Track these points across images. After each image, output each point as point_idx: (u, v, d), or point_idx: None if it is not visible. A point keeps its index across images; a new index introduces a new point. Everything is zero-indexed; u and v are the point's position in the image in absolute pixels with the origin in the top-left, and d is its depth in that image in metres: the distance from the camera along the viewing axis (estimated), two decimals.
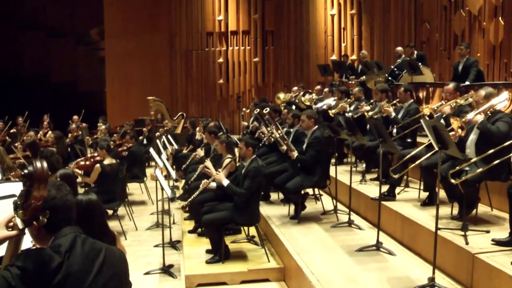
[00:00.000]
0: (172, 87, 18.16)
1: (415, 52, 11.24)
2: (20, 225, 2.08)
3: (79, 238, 2.14)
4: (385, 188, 6.40)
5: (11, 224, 2.14)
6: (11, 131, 13.50)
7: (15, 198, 2.12)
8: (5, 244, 2.18)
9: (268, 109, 8.49)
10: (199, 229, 7.12)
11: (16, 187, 4.79)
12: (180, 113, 13.30)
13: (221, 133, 8.54)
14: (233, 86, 18.16)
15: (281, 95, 11.87)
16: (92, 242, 2.20)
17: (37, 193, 1.98)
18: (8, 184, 4.90)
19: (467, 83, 8.58)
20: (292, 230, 6.42)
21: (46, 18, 22.06)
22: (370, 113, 7.53)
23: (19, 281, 1.93)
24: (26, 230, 2.16)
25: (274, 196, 8.00)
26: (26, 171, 1.99)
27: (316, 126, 6.95)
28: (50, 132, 12.39)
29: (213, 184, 6.18)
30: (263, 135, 7.78)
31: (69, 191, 2.24)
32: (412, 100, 7.28)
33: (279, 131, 7.25)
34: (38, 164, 1.97)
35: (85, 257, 2.12)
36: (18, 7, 21.43)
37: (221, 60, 18.04)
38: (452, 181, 4.91)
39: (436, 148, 4.60)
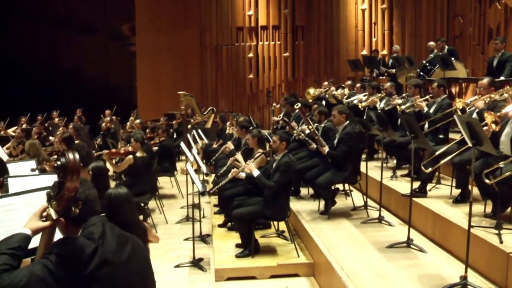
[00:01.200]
0: (202, 82, 18.25)
1: (446, 46, 11.06)
2: (54, 216, 2.12)
3: (108, 225, 2.20)
4: (416, 184, 6.33)
5: (44, 214, 2.18)
6: (46, 124, 13.76)
7: (48, 190, 2.17)
8: (39, 235, 2.23)
9: (299, 104, 8.47)
10: (229, 223, 7.16)
11: (51, 180, 4.89)
12: (210, 108, 13.38)
13: (251, 127, 8.55)
14: (263, 81, 18.15)
15: (311, 90, 11.82)
16: (119, 229, 2.26)
17: (70, 184, 2.02)
18: (44, 176, 5.03)
19: (502, 78, 8.41)
20: (322, 225, 6.41)
21: (78, 15, 22.40)
22: (403, 107, 7.44)
23: (58, 268, 1.98)
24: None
25: (304, 191, 7.99)
26: (59, 162, 2.03)
27: (348, 122, 6.91)
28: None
29: (243, 174, 6.20)
30: (293, 130, 7.77)
31: (91, 186, 2.30)
32: (445, 96, 7.17)
33: (310, 126, 7.22)
34: (71, 156, 2.01)
35: (116, 242, 2.18)
36: (51, 5, 21.83)
37: (251, 55, 18.04)
38: (487, 181, 4.81)
39: (470, 144, 4.52)
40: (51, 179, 4.93)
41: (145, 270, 2.36)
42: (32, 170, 5.63)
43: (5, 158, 6.85)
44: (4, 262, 1.99)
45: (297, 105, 8.41)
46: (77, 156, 2.04)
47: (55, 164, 2.06)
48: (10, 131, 12.39)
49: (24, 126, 13.01)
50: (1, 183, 4.56)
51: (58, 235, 2.39)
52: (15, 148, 9.94)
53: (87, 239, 2.11)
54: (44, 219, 2.18)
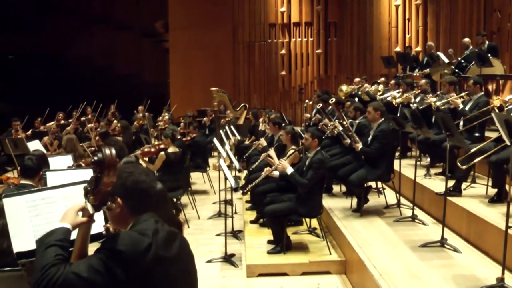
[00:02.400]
0: (234, 79, 18.30)
1: (487, 42, 10.82)
2: (91, 210, 2.17)
3: (159, 222, 2.22)
4: (450, 183, 6.24)
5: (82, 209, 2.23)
6: (82, 119, 14.01)
7: (85, 184, 2.21)
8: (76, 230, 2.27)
9: (334, 99, 8.43)
10: (261, 220, 7.18)
11: (87, 174, 5.01)
12: (242, 104, 13.44)
13: (284, 124, 8.55)
14: (295, 77, 18.10)
15: (344, 87, 11.73)
16: (167, 226, 2.28)
17: (107, 179, 2.05)
18: (79, 171, 5.14)
19: None
20: (354, 223, 6.38)
21: (113, 12, 22.74)
22: (438, 103, 7.33)
23: (114, 262, 2.01)
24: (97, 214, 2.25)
25: (336, 188, 7.97)
26: (96, 158, 2.06)
27: (382, 119, 6.84)
28: (115, 121, 12.77)
29: (276, 173, 6.21)
30: (325, 128, 7.74)
31: (155, 179, 2.33)
32: (482, 93, 7.05)
33: (345, 122, 7.19)
34: (107, 151, 2.04)
35: (167, 239, 2.19)
36: (87, 2, 22.21)
37: (283, 51, 18.01)
38: None
39: (508, 143, 4.44)
40: (86, 174, 5.07)
41: (190, 267, 2.38)
42: (69, 167, 5.78)
43: None
44: (58, 253, 2.02)
45: (332, 100, 8.36)
46: (113, 151, 2.07)
47: (92, 160, 2.10)
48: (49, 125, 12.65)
49: (62, 121, 13.28)
50: (40, 176, 4.68)
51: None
52: (52, 144, 10.16)
53: (140, 235, 2.12)
54: (81, 214, 2.22)
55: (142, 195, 2.24)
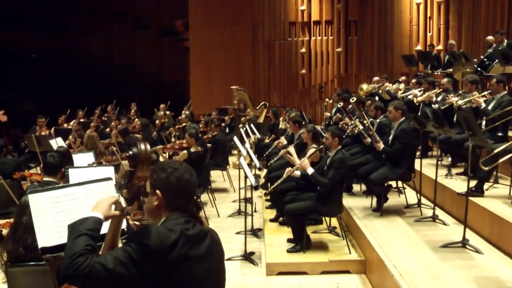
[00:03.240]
0: (254, 77, 18.34)
1: (505, 40, 10.68)
2: (124, 204, 2.20)
3: (190, 222, 2.25)
4: (472, 183, 6.17)
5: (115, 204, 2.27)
6: (103, 118, 14.15)
7: (113, 180, 2.24)
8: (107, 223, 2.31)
9: (354, 98, 8.40)
10: (281, 218, 7.19)
11: (108, 171, 5.07)
12: (262, 103, 13.45)
13: (304, 122, 8.54)
14: (315, 76, 18.07)
15: (364, 86, 11.66)
16: (199, 224, 2.31)
17: (140, 174, 2.09)
18: (101, 168, 5.20)
19: None
20: (374, 222, 6.35)
21: (133, 11, 22.92)
22: (460, 102, 7.25)
23: (139, 255, 2.05)
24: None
25: (356, 187, 7.94)
26: (130, 152, 2.09)
27: (403, 118, 6.79)
28: (136, 119, 12.87)
29: (297, 173, 6.20)
30: (346, 126, 7.71)
31: (197, 180, 2.37)
32: (505, 92, 6.95)
33: (365, 121, 7.15)
34: (142, 146, 2.08)
35: (195, 237, 2.22)
36: (108, 1, 22.41)
37: (303, 50, 17.99)
38: None
39: None
40: (107, 171, 5.13)
41: (219, 268, 2.39)
42: (90, 165, 5.85)
43: None
44: (87, 243, 2.06)
45: (353, 99, 8.32)
46: (148, 146, 2.10)
47: (127, 154, 2.13)
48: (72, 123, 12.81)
49: (81, 119, 13.43)
50: (62, 173, 4.75)
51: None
52: (75, 142, 10.28)
53: (168, 231, 2.15)
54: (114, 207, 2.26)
55: (181, 193, 2.27)
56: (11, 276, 3.68)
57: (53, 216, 3.19)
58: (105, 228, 2.29)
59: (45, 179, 4.63)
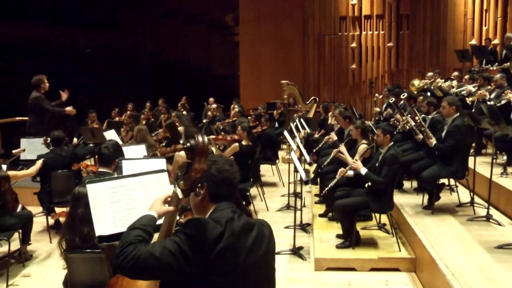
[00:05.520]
0: (304, 72, 18.27)
1: None
2: (180, 195, 2.25)
3: (236, 213, 2.28)
4: None
5: (168, 199, 2.33)
6: (154, 111, 14.40)
7: (170, 171, 2.29)
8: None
9: (405, 94, 8.26)
10: (330, 213, 7.16)
11: (160, 163, 5.17)
12: (312, 98, 13.41)
13: (354, 118, 8.48)
14: (365, 71, 17.87)
15: (416, 82, 11.45)
16: (246, 217, 2.34)
17: (197, 166, 2.12)
18: (153, 160, 5.32)
19: None
20: (425, 220, 6.25)
21: (183, 6, 23.18)
22: None
23: (186, 246, 2.10)
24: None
25: (407, 184, 7.82)
26: (188, 144, 2.13)
27: (457, 114, 6.63)
28: (185, 112, 13.02)
29: (350, 173, 6.17)
30: (397, 123, 7.60)
31: (237, 170, 2.39)
32: None
33: (417, 117, 7.02)
34: (200, 139, 2.11)
35: (241, 230, 2.24)
36: None
37: (354, 45, 17.80)
38: None
39: None
40: (159, 163, 5.22)
41: (266, 260, 2.38)
42: (145, 157, 5.99)
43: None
44: (138, 234, 2.15)
45: (404, 95, 8.19)
46: (206, 139, 2.13)
47: (185, 146, 2.16)
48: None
49: (129, 112, 13.69)
50: (116, 164, 4.88)
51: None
52: (126, 135, 10.52)
53: (214, 222, 2.19)
54: (167, 204, 2.32)
55: (224, 184, 2.32)
56: (70, 262, 3.83)
57: (109, 206, 3.29)
58: (161, 220, 2.36)
59: (100, 169, 4.75)
